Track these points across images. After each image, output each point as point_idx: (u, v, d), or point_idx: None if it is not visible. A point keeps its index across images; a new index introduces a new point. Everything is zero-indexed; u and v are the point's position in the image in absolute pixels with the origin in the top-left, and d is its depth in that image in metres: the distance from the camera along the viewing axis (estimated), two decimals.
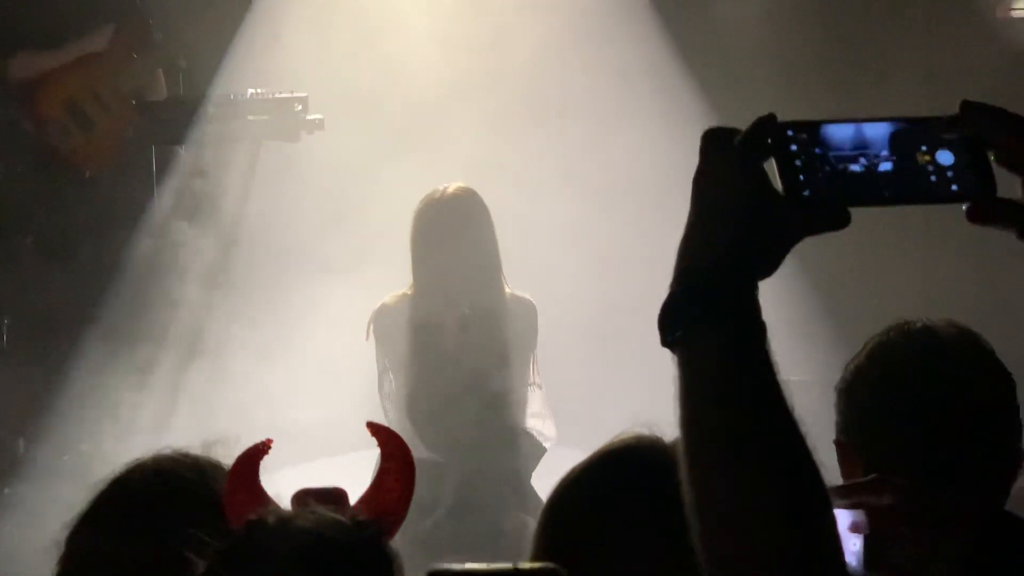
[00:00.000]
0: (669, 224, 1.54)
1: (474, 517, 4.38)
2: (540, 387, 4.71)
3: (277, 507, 1.61)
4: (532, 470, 4.59)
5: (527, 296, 4.73)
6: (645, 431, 1.71)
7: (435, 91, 5.94)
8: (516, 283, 4.81)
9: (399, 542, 1.61)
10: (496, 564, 1.26)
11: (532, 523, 4.49)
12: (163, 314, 5.45)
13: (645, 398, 5.45)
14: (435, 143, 5.79)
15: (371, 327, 4.67)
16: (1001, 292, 6.39)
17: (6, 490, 5.23)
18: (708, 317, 1.33)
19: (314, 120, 5.67)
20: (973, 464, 2.16)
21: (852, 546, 2.03)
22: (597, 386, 5.70)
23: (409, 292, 4.69)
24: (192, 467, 1.86)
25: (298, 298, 5.56)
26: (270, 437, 1.72)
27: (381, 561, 1.57)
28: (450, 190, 4.72)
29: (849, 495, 2.04)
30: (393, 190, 5.37)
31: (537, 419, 4.68)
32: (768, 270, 1.37)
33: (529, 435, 4.64)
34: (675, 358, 1.35)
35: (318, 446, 5.45)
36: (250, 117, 5.67)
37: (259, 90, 5.70)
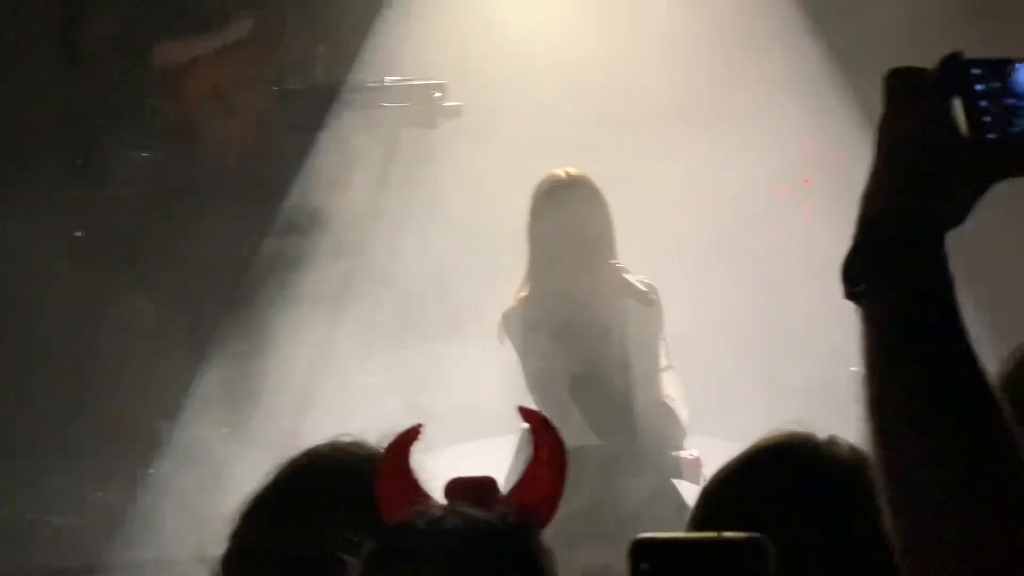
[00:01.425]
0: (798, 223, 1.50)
1: (614, 503, 4.37)
2: (673, 369, 4.66)
3: (427, 504, 1.59)
4: (673, 452, 4.55)
5: (647, 279, 4.68)
6: (797, 428, 1.68)
7: (577, 83, 5.88)
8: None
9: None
10: (701, 533, 1.25)
11: (670, 510, 4.45)
12: (306, 300, 5.50)
13: (773, 391, 5.41)
14: (573, 137, 5.75)
15: (502, 330, 4.66)
16: None
17: (151, 471, 5.33)
18: (893, 269, 1.28)
19: (452, 107, 5.68)
20: None
21: None
22: (727, 376, 5.65)
23: (526, 292, 4.65)
24: (367, 458, 1.84)
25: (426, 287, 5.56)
26: (420, 422, 1.70)
27: (532, 560, 1.55)
28: (565, 174, 4.68)
29: None
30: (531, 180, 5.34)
31: (673, 402, 4.64)
32: (957, 220, 1.31)
33: (668, 417, 4.60)
34: (858, 312, 1.30)
35: (457, 432, 5.47)
36: (388, 104, 5.70)
37: (397, 77, 5.72)
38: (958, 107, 1.32)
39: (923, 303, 1.28)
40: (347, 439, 1.93)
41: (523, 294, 4.68)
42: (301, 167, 5.71)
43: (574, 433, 4.49)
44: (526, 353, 4.64)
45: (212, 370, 5.46)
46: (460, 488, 1.61)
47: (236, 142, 5.66)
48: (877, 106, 1.37)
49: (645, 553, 1.22)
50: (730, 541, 1.20)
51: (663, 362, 4.68)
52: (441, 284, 5.57)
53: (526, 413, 1.69)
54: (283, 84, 5.77)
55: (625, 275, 4.61)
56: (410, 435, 1.69)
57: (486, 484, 1.61)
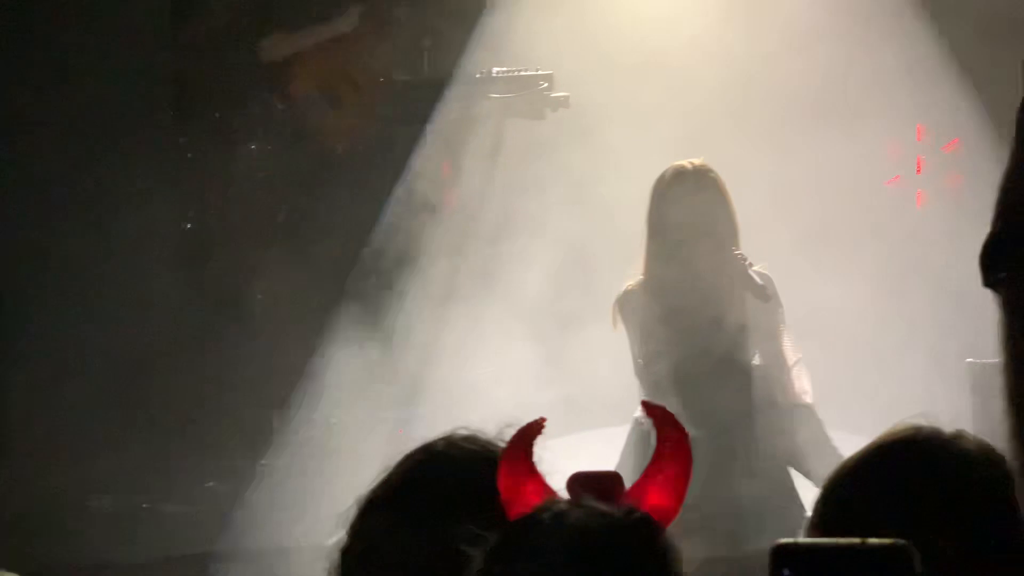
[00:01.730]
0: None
1: (722, 494, 4.32)
2: (802, 365, 4.61)
3: (552, 497, 1.57)
4: (795, 448, 4.49)
5: (764, 270, 4.64)
6: (923, 422, 1.63)
7: (689, 77, 5.82)
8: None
9: None
10: (844, 539, 1.21)
11: (778, 501, 4.38)
12: (410, 292, 5.52)
13: (891, 382, 5.31)
14: (680, 131, 5.70)
15: (617, 314, 4.64)
16: None
17: (262, 462, 5.37)
18: None
19: (559, 98, 5.66)
20: None
21: None
22: (859, 372, 5.58)
23: (644, 276, 4.62)
24: (482, 452, 1.83)
25: (537, 276, 5.55)
26: (544, 416, 1.69)
27: (656, 556, 1.53)
28: (690, 165, 4.66)
29: None
30: (633, 171, 5.30)
31: (801, 395, 4.59)
32: None
33: (789, 411, 4.55)
34: (997, 299, 1.27)
35: (565, 422, 5.44)
36: (495, 95, 5.69)
37: (504, 68, 5.71)
38: None
39: None
40: (462, 432, 1.91)
41: (639, 278, 4.66)
42: (409, 159, 5.72)
43: (691, 425, 4.46)
44: (640, 338, 4.62)
45: (323, 361, 5.49)
46: (583, 482, 1.59)
47: (343, 135, 5.69)
48: (989, 94, 1.31)
49: (785, 559, 1.19)
50: (874, 548, 1.16)
51: (790, 357, 4.63)
52: (550, 276, 5.56)
53: (649, 408, 1.66)
54: (390, 77, 5.77)
55: (745, 266, 4.57)
56: (533, 429, 1.67)
57: (610, 479, 1.59)
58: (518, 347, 5.46)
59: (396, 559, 1.78)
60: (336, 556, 1.82)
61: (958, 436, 1.63)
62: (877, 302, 5.60)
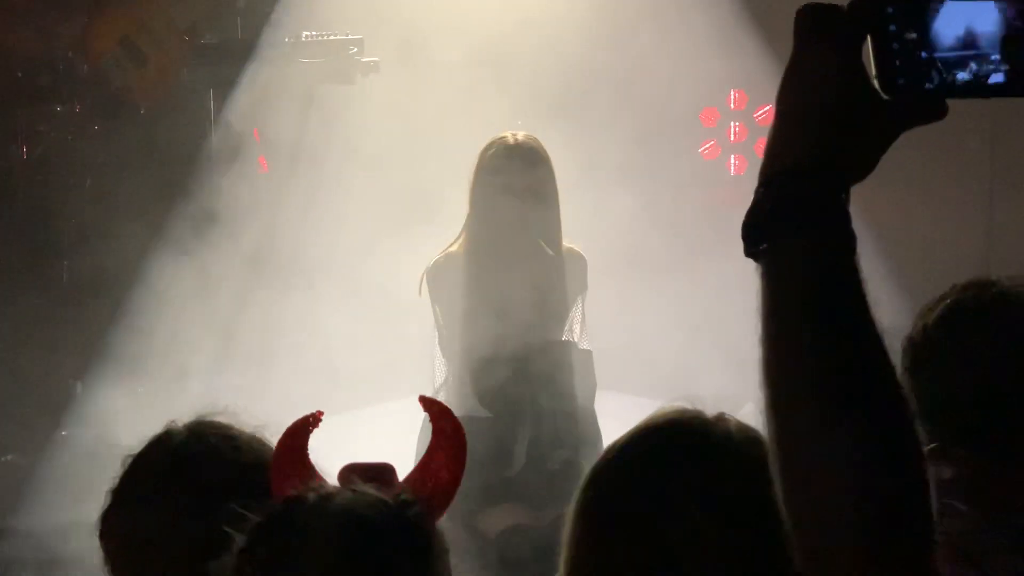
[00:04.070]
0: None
1: (527, 465, 4.37)
2: (586, 337, 4.66)
3: (321, 483, 1.59)
4: (588, 407, 4.55)
5: (577, 248, 4.64)
6: (687, 405, 1.65)
7: (494, 37, 5.85)
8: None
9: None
10: None
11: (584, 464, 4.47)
12: (217, 261, 5.45)
13: (687, 352, 5.42)
14: (490, 92, 5.72)
15: (424, 284, 4.60)
16: None
17: (63, 432, 5.27)
18: (794, 226, 1.23)
19: (369, 63, 5.62)
20: None
21: None
22: (634, 329, 5.67)
23: (459, 248, 4.59)
24: (226, 439, 1.82)
25: (350, 243, 5.54)
26: (321, 410, 1.70)
27: (421, 541, 1.55)
28: (512, 139, 4.60)
29: None
30: (446, 139, 5.30)
31: (585, 364, 4.64)
32: (862, 174, 1.26)
33: (583, 375, 4.60)
34: (758, 269, 1.24)
35: (375, 391, 5.45)
36: (304, 60, 5.63)
37: (313, 32, 5.65)
38: (868, 49, 1.25)
39: (826, 261, 1.23)
40: (209, 420, 1.90)
41: (452, 250, 4.61)
42: (218, 121, 5.64)
43: (475, 399, 4.48)
44: (446, 311, 4.60)
45: (125, 330, 5.40)
46: (357, 472, 1.61)
47: (148, 91, 5.56)
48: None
49: None
50: None
51: (578, 329, 4.66)
52: (360, 243, 5.55)
53: (426, 402, 1.69)
54: (197, 36, 5.67)
55: (559, 237, 4.57)
56: (309, 420, 1.69)
57: (383, 469, 1.61)
58: (327, 313, 5.44)
59: (156, 545, 1.77)
60: (100, 546, 1.81)
61: (720, 419, 1.66)
62: (694, 267, 5.71)
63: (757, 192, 1.25)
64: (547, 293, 4.52)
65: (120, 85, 5.54)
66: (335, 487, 1.58)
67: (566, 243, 4.60)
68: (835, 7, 1.26)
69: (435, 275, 4.57)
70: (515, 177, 4.46)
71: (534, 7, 5.94)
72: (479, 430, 4.34)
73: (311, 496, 1.54)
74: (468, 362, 4.46)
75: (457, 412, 4.91)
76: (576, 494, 1.59)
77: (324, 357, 5.45)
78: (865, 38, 1.24)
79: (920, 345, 2.18)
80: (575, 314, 4.64)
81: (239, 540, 1.51)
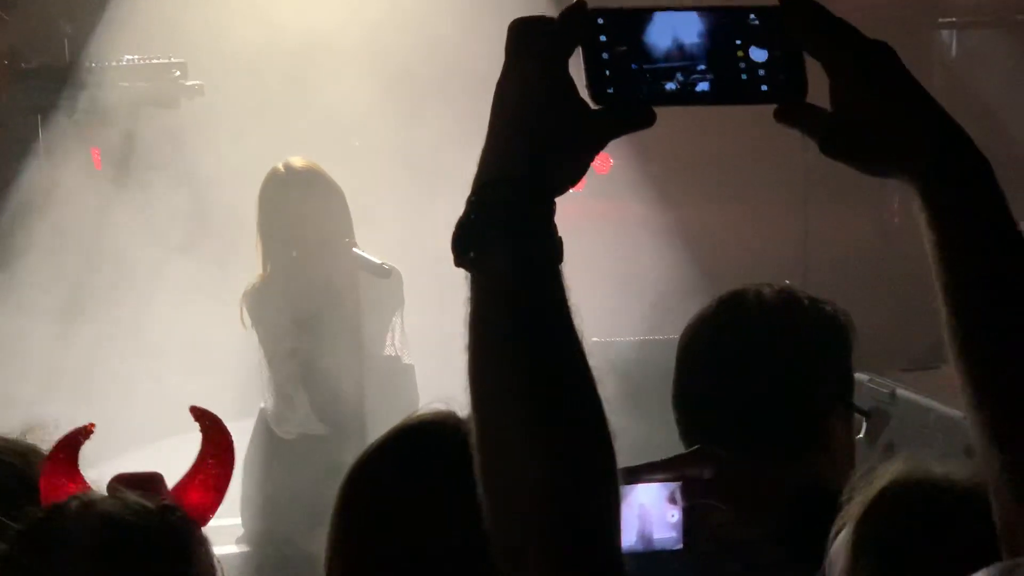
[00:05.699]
0: None
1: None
2: (406, 351, 4.74)
3: (88, 491, 1.63)
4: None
5: (392, 265, 4.71)
6: (442, 406, 1.68)
7: (316, 53, 5.86)
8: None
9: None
10: None
11: None
12: (35, 282, 5.40)
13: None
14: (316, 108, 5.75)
15: (244, 313, 4.65)
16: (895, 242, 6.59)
17: None
18: (499, 234, 1.25)
19: (193, 86, 5.62)
20: (784, 434, 2.22)
21: (671, 517, 2.10)
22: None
23: (267, 272, 4.65)
24: (8, 451, 1.86)
25: (172, 270, 5.52)
26: (92, 422, 1.74)
27: (183, 547, 1.60)
28: (293, 165, 4.69)
29: (671, 468, 2.11)
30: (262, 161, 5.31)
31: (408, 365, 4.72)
32: (570, 183, 1.29)
33: (406, 389, 4.68)
34: (467, 280, 1.27)
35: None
36: (127, 84, 5.61)
37: (135, 56, 5.63)
38: (580, 60, 1.28)
39: (529, 269, 1.25)
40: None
41: (259, 276, 4.69)
42: (32, 149, 5.60)
43: (303, 419, 4.54)
44: (266, 336, 4.65)
45: None
46: (124, 482, 1.66)
47: None
48: None
49: None
50: None
51: (396, 343, 4.74)
52: (190, 257, 5.53)
53: (196, 413, 1.74)
54: (15, 62, 5.62)
55: (359, 252, 4.63)
56: (80, 432, 1.73)
57: (149, 478, 1.66)
58: (151, 340, 5.42)
59: None
60: None
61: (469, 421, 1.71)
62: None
63: (467, 203, 1.29)
64: (364, 310, 4.60)
65: None
66: (100, 495, 1.62)
67: (380, 258, 4.68)
68: (545, 19, 1.29)
69: (253, 300, 4.64)
70: (293, 206, 4.55)
71: (346, 22, 5.96)
72: (311, 448, 4.39)
73: (74, 504, 1.58)
74: (297, 381, 4.53)
75: (291, 430, 4.93)
76: (336, 499, 1.65)
77: (153, 379, 5.43)
78: (575, 49, 1.29)
79: (682, 349, 2.30)
80: (395, 329, 4.72)
81: (0, 548, 1.55)
